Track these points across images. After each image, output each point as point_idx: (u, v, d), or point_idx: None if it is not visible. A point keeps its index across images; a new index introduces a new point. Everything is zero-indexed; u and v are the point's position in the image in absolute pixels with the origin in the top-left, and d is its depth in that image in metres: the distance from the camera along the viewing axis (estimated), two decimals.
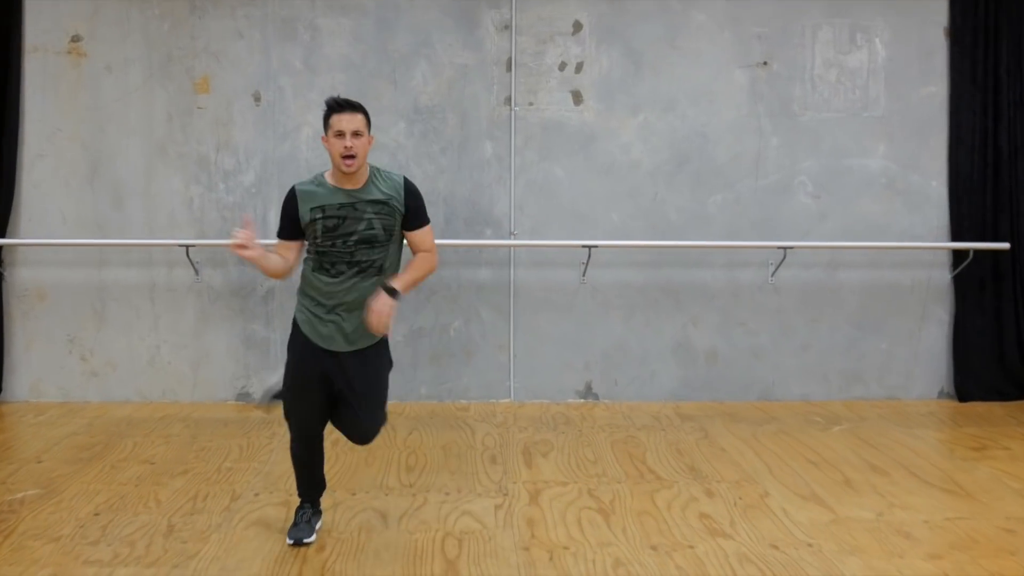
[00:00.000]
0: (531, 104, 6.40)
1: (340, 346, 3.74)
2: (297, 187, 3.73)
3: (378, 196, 3.71)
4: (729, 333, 6.58)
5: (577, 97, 6.41)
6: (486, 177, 6.38)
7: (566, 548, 3.85)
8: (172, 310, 6.43)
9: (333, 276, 3.69)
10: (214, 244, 6.30)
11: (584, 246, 6.24)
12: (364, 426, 3.83)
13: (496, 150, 6.37)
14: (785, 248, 6.33)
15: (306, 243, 3.76)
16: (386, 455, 5.18)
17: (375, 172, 3.78)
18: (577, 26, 6.37)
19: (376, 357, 3.83)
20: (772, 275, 6.51)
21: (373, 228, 3.68)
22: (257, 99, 6.33)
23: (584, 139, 6.44)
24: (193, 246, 6.24)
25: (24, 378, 6.42)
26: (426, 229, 3.86)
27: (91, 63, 6.30)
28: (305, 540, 3.86)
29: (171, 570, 3.60)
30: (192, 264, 6.29)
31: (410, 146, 6.34)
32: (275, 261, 3.70)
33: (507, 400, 6.53)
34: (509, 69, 6.37)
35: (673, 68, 6.44)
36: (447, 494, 4.53)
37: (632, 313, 6.53)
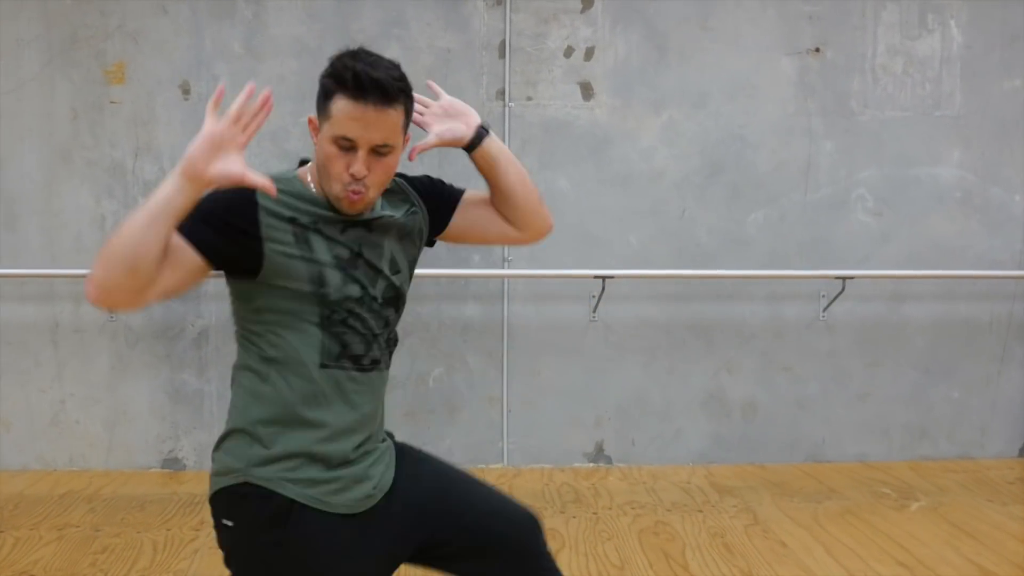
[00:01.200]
0: (530, 99, 5.20)
1: (385, 480, 2.06)
2: (259, 196, 1.95)
3: (392, 212, 2.13)
4: (771, 381, 5.44)
5: (587, 90, 5.22)
6: (476, 188, 5.16)
7: None
8: (80, 356, 5.16)
9: (366, 369, 2.02)
10: None
11: (596, 276, 5.06)
12: (511, 500, 2.21)
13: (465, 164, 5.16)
14: (843, 278, 5.19)
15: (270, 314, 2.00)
16: None
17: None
18: (587, 2, 5.18)
19: (408, 453, 2.19)
20: (824, 310, 5.37)
21: (399, 271, 2.12)
22: (186, 91, 5.09)
23: (595, 142, 5.26)
24: None
25: None
26: (471, 191, 2.40)
27: None
28: None
29: None
30: None
31: None
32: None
33: (499, 465, 5.34)
34: (503, 55, 5.16)
35: (705, 55, 5.28)
36: None
37: (653, 357, 5.37)
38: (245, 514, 1.93)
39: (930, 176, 5.42)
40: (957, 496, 4.87)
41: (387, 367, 2.10)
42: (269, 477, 1.91)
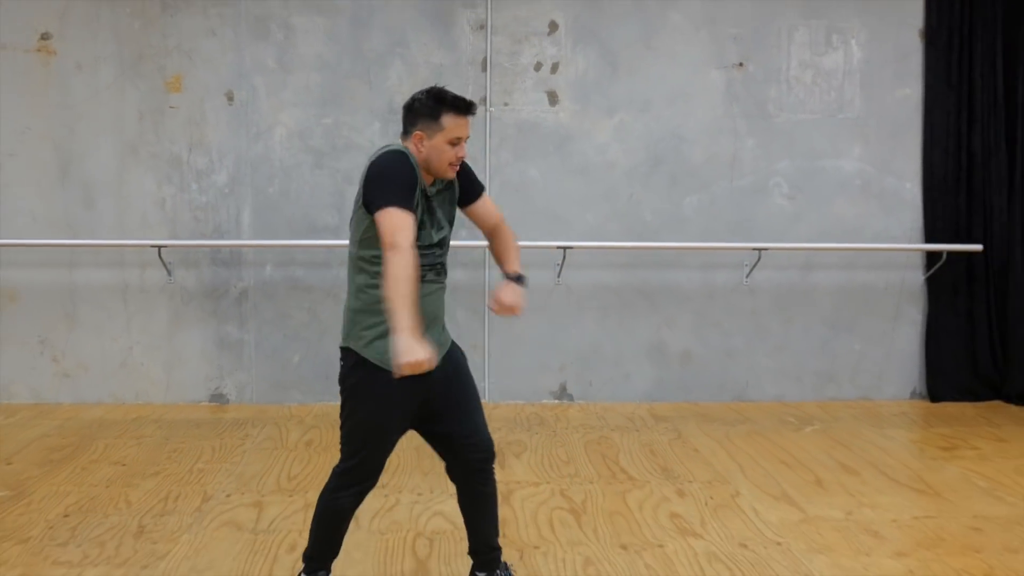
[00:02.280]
0: (506, 104, 6.41)
1: (436, 358, 3.01)
2: (410, 158, 3.00)
3: (440, 187, 3.15)
4: (703, 334, 6.61)
5: (553, 98, 6.43)
6: None
7: (536, 547, 3.86)
8: (144, 311, 6.40)
9: (424, 281, 3.03)
10: (187, 245, 6.28)
11: (559, 247, 6.26)
12: (482, 431, 3.23)
13: (471, 150, 6.26)
14: (760, 250, 6.37)
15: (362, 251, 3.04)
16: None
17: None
18: (553, 26, 6.38)
19: (458, 351, 3.31)
20: (747, 276, 6.55)
21: (443, 227, 3.16)
22: (230, 98, 6.31)
23: (559, 140, 6.46)
24: (165, 247, 6.21)
25: None
26: (486, 195, 3.36)
27: (61, 61, 6.26)
28: None
29: (140, 571, 3.59)
30: (165, 265, 6.26)
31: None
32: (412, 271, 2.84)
33: (482, 401, 6.51)
34: (484, 69, 6.37)
35: (649, 69, 6.47)
36: (419, 495, 4.53)
37: (607, 314, 6.55)
38: (362, 364, 3.03)
39: (835, 167, 6.59)
40: (847, 423, 6.04)
41: (439, 285, 3.12)
42: (363, 351, 3.02)
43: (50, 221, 6.31)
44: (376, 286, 2.95)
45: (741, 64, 6.50)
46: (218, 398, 6.44)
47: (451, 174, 3.05)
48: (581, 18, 6.39)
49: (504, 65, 6.40)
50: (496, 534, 3.36)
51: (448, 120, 2.97)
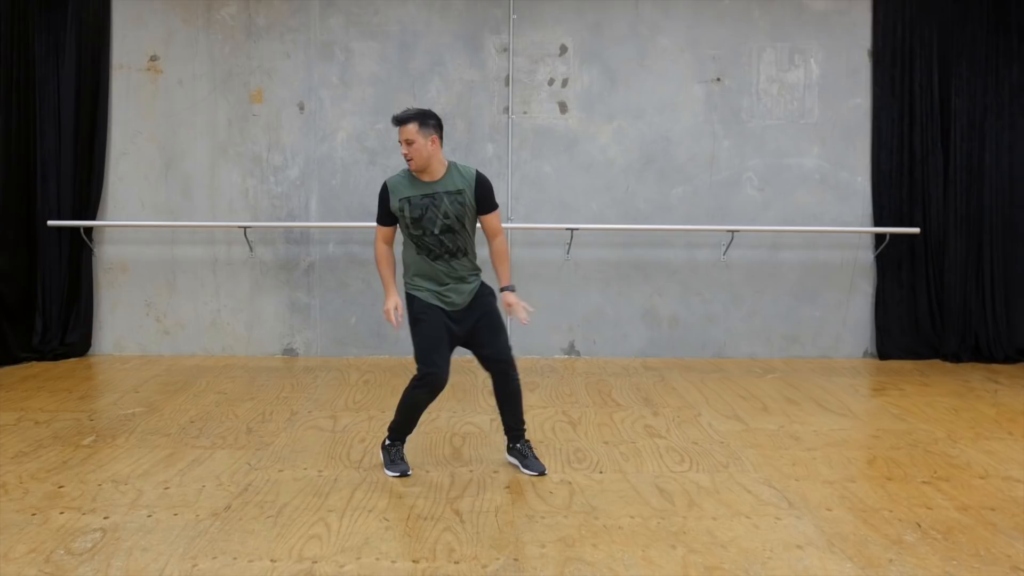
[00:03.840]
0: (525, 113, 7.76)
1: (463, 302, 4.48)
2: (388, 182, 4.42)
3: (452, 188, 4.34)
4: (688, 302, 7.91)
5: (563, 107, 7.78)
6: (488, 172, 7.58)
7: (541, 442, 5.23)
8: (230, 280, 7.81)
9: (434, 260, 4.39)
10: (266, 226, 7.68)
11: (568, 229, 7.59)
12: (497, 346, 4.57)
13: (496, 151, 7.76)
14: (734, 231, 7.66)
15: (403, 231, 4.47)
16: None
17: (453, 167, 4.41)
18: (563, 49, 7.73)
19: (486, 297, 4.59)
20: (724, 254, 7.83)
21: (449, 217, 4.33)
22: (301, 108, 7.72)
23: (568, 142, 7.78)
24: (249, 227, 7.62)
25: (109, 336, 7.83)
26: (495, 213, 4.52)
27: (166, 78, 7.70)
28: (408, 472, 4.58)
29: (256, 451, 5.00)
30: (248, 243, 7.67)
31: None
32: (391, 258, 4.57)
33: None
34: (507, 84, 7.72)
35: (642, 83, 7.78)
36: (453, 411, 5.92)
37: (608, 284, 7.88)
38: (414, 300, 4.54)
39: (797, 164, 7.87)
40: (804, 374, 7.33)
41: (450, 259, 4.45)
42: (414, 293, 4.54)
43: (155, 207, 7.75)
44: (411, 260, 4.52)
45: (719, 79, 7.80)
46: (289, 352, 7.85)
47: (408, 164, 4.35)
48: (587, 42, 7.73)
49: (523, 81, 7.75)
50: (519, 418, 4.79)
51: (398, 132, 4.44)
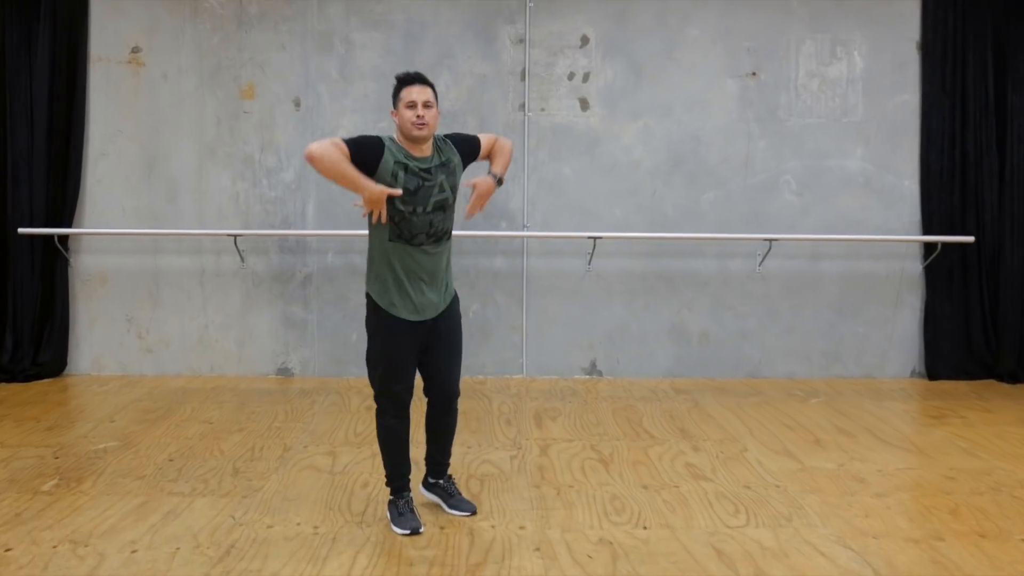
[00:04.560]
0: (542, 110, 7.12)
1: (433, 312, 3.88)
2: (384, 139, 3.74)
3: (441, 160, 3.83)
4: (720, 316, 7.27)
5: (584, 104, 7.13)
6: None
7: (571, 487, 4.56)
8: (219, 293, 7.16)
9: (415, 246, 3.78)
10: (258, 234, 7.03)
11: (589, 237, 6.95)
12: (453, 375, 4.05)
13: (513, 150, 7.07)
14: (771, 240, 7.01)
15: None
16: (416, 420, 5.88)
17: (437, 140, 3.88)
18: (584, 40, 7.08)
19: (456, 310, 4.03)
20: (759, 265, 7.19)
21: (444, 191, 3.81)
22: (297, 105, 7.06)
23: (590, 142, 7.15)
24: (239, 236, 6.97)
25: (87, 353, 7.17)
26: (482, 137, 4.07)
27: (149, 72, 7.04)
28: (421, 529, 3.93)
29: (241, 499, 4.33)
30: (238, 252, 7.02)
31: None
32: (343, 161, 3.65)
33: (520, 375, 7.24)
34: (523, 79, 7.08)
35: (670, 78, 7.15)
36: (469, 447, 5.25)
37: (632, 298, 7.24)
38: (375, 308, 3.91)
39: (839, 166, 7.22)
40: (849, 397, 6.69)
41: (434, 246, 3.82)
42: (377, 299, 3.89)
43: (137, 213, 7.09)
44: (380, 252, 3.85)
45: (754, 73, 7.16)
46: (284, 371, 7.20)
47: (415, 131, 3.69)
48: (610, 33, 7.08)
49: (541, 75, 7.10)
50: (448, 452, 4.26)
51: (402, 91, 3.76)
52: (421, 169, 3.76)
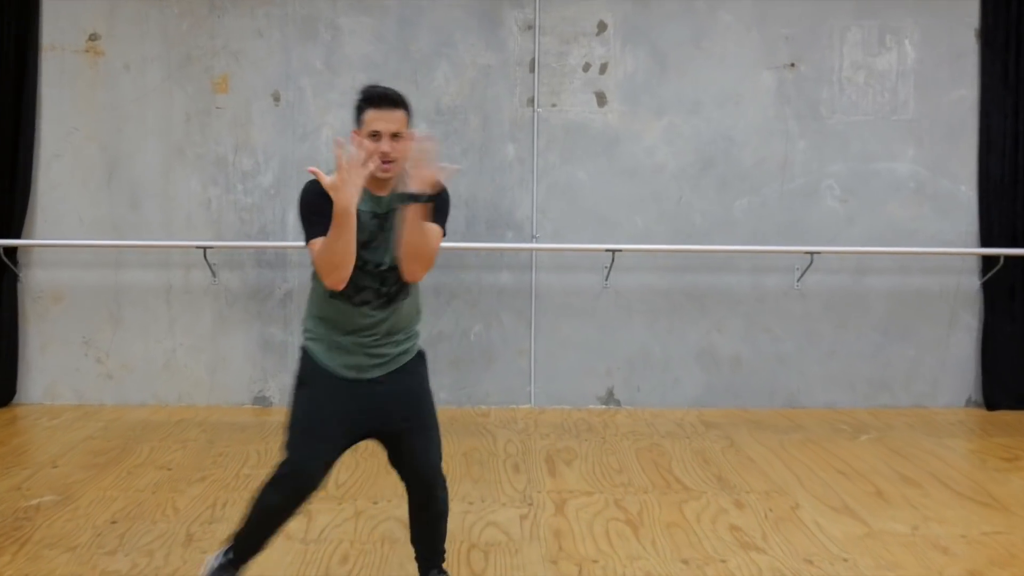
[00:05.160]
0: (554, 105, 6.33)
1: (379, 371, 3.02)
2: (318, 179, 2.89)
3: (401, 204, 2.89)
4: (754, 339, 6.50)
5: (601, 99, 6.34)
6: (508, 180, 6.30)
7: (595, 562, 3.75)
8: (189, 312, 6.37)
9: (356, 305, 2.94)
10: (232, 246, 6.25)
11: (607, 250, 6.17)
12: (421, 458, 3.11)
13: (518, 152, 6.30)
14: (812, 253, 6.25)
15: None
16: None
17: (403, 176, 2.91)
18: (602, 26, 6.29)
19: (419, 371, 3.15)
20: (798, 280, 6.43)
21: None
22: (276, 99, 6.27)
23: (608, 141, 6.36)
24: (211, 248, 6.18)
25: (39, 381, 6.37)
26: (436, 228, 2.92)
27: (108, 62, 6.25)
28: None
29: None
30: (209, 266, 6.23)
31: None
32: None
33: (527, 406, 6.46)
34: (532, 70, 6.29)
35: (699, 70, 6.36)
36: (471, 504, 4.44)
37: (655, 318, 6.45)
38: (304, 352, 3.09)
39: (888, 170, 6.45)
40: (902, 432, 5.91)
41: (382, 308, 2.95)
42: (308, 343, 3.09)
43: (96, 222, 6.30)
44: (315, 299, 3.06)
45: (793, 65, 6.39)
46: (261, 401, 6.40)
47: (380, 171, 2.81)
48: (630, 18, 6.29)
49: (552, 66, 6.31)
50: (439, 546, 3.32)
51: (366, 113, 2.88)
52: (376, 214, 2.91)
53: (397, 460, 3.13)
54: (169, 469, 4.94)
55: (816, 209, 6.44)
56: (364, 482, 4.72)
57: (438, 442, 3.14)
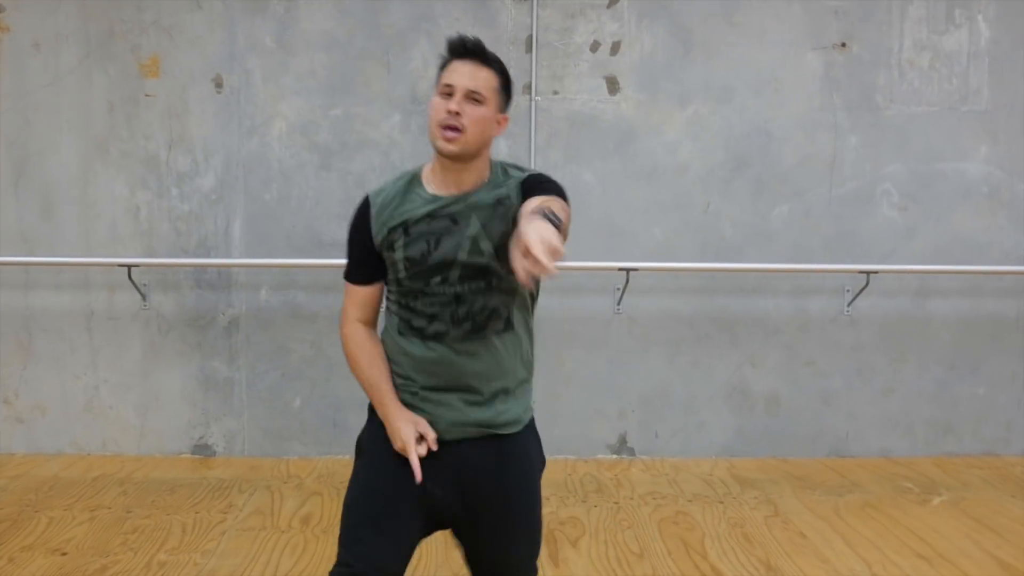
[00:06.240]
0: (556, 93, 5.28)
1: (460, 432, 2.34)
2: (372, 196, 2.37)
3: (491, 199, 2.30)
4: (794, 375, 5.49)
5: (612, 84, 5.30)
6: None
7: None
8: (114, 343, 5.30)
9: (432, 339, 2.31)
10: (165, 264, 5.18)
11: (620, 268, 5.14)
12: (511, 561, 2.44)
13: (512, 149, 5.27)
14: (866, 272, 5.23)
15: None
16: None
17: (502, 170, 2.37)
18: None
19: (522, 448, 2.43)
20: (848, 305, 5.40)
21: (480, 250, 2.26)
22: (219, 85, 5.20)
23: (621, 136, 5.34)
24: (138, 265, 5.11)
25: None
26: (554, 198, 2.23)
27: (14, 39, 5.18)
28: None
29: None
30: (137, 288, 5.16)
31: (406, 143, 5.22)
32: (376, 350, 2.41)
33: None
34: (529, 49, 5.25)
35: (731, 50, 5.35)
36: None
37: (677, 350, 5.43)
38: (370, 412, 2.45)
39: (956, 171, 5.44)
40: (980, 491, 4.88)
41: (469, 339, 2.28)
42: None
43: (0, 233, 5.23)
44: (385, 342, 2.45)
45: (843, 44, 5.38)
46: (202, 449, 5.34)
47: (440, 138, 2.22)
48: None
49: (553, 45, 5.26)
50: None
51: (445, 67, 2.32)
52: (437, 213, 2.28)
53: (471, 558, 2.47)
54: (64, 553, 3.87)
55: (870, 219, 5.44)
56: (315, 566, 3.65)
57: (530, 551, 2.47)
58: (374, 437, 2.36)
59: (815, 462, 5.38)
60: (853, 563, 3.88)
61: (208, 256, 5.25)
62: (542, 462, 2.48)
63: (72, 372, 5.32)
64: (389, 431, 2.29)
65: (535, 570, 2.46)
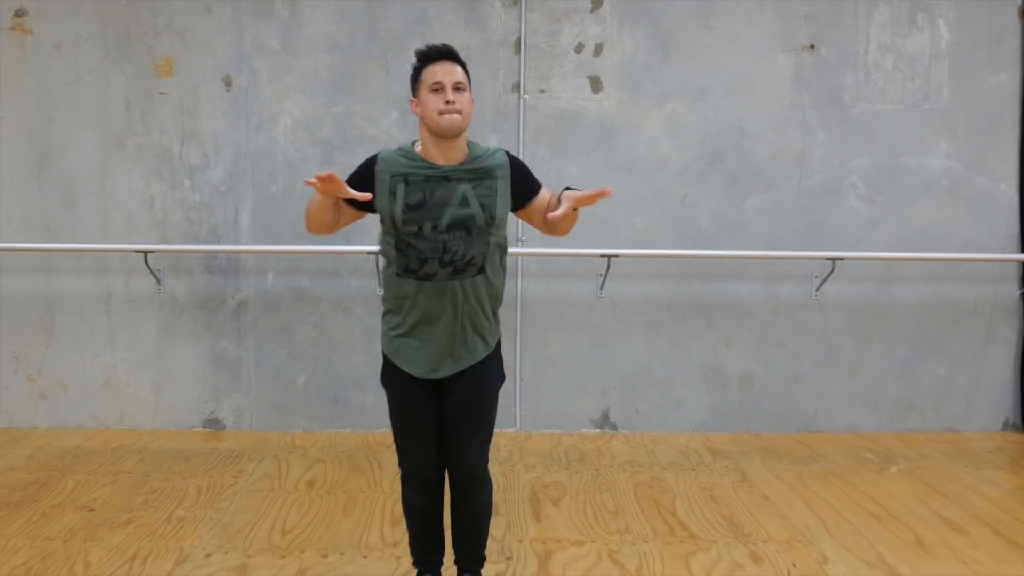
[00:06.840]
0: (543, 91, 5.61)
1: (451, 369, 3.00)
2: (381, 152, 3.00)
3: (477, 166, 2.95)
4: (766, 355, 5.80)
5: (596, 84, 5.62)
6: None
7: None
8: (130, 324, 5.65)
9: (422, 279, 2.91)
10: (178, 250, 5.52)
11: (602, 255, 5.47)
12: (471, 455, 3.11)
13: (503, 144, 5.56)
14: (833, 259, 5.55)
15: (385, 234, 3.00)
16: (368, 502, 4.38)
17: (475, 147, 3.01)
18: (597, 2, 5.58)
19: (488, 368, 3.09)
20: (817, 290, 5.73)
21: (469, 205, 2.89)
22: (228, 84, 5.55)
23: (603, 132, 5.66)
24: (153, 252, 5.45)
25: None
26: (544, 191, 3.10)
27: (37, 41, 5.53)
28: None
29: None
30: (153, 272, 5.51)
31: (404, 139, 5.50)
32: (330, 208, 2.94)
33: (512, 430, 5.75)
34: (518, 51, 5.57)
35: (706, 52, 5.65)
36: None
37: (656, 332, 5.75)
38: (383, 356, 3.15)
39: (918, 165, 5.75)
40: (936, 462, 5.21)
41: (450, 278, 2.89)
42: (383, 345, 3.14)
43: (25, 222, 5.59)
44: (388, 288, 3.04)
45: (812, 46, 5.69)
46: (213, 424, 5.69)
47: (443, 123, 2.85)
48: None
49: (540, 46, 5.59)
50: (477, 545, 3.32)
51: (424, 71, 2.89)
52: (432, 176, 2.90)
53: (448, 451, 3.13)
54: (91, 510, 4.23)
55: (837, 210, 5.74)
56: (314, 530, 4.01)
57: (482, 444, 3.15)
58: (391, 378, 3.06)
59: (786, 437, 5.72)
60: (809, 520, 4.23)
61: (218, 243, 5.59)
62: (502, 377, 3.17)
63: (92, 351, 5.67)
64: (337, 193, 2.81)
65: (487, 460, 3.16)
